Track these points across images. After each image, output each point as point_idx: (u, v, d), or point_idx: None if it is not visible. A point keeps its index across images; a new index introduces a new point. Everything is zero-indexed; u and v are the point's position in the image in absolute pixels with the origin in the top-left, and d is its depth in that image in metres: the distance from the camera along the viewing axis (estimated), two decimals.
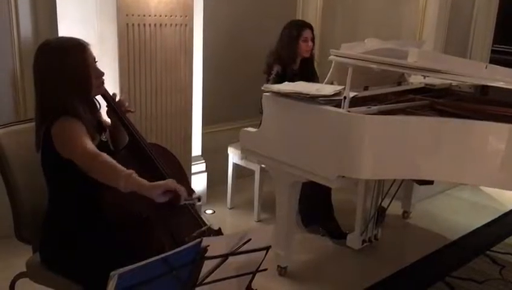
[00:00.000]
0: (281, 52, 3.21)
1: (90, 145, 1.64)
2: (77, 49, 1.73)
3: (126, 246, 1.71)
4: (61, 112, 1.68)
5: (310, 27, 3.28)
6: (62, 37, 1.79)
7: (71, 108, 1.69)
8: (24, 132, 1.94)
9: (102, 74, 1.81)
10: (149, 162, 1.87)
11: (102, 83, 1.82)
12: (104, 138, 1.84)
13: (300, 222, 3.24)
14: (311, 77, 3.23)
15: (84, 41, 1.77)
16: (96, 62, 1.79)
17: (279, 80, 3.09)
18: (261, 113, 2.73)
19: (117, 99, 1.95)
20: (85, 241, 1.72)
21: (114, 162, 1.61)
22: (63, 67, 1.69)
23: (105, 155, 1.63)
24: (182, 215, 1.83)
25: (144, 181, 1.59)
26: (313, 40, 3.25)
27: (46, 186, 1.78)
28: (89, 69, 1.74)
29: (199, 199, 1.86)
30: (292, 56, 3.21)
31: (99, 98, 1.89)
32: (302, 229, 3.24)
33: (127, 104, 1.99)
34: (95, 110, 1.85)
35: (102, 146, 1.80)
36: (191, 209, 1.88)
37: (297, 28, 3.22)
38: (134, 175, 1.59)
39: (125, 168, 1.60)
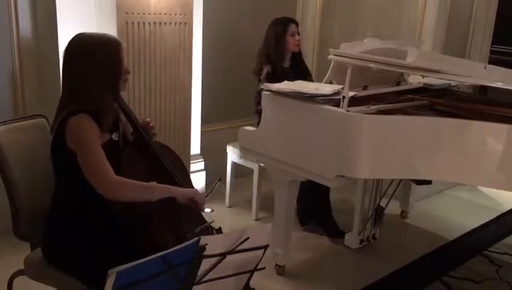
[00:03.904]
0: (269, 52, 3.19)
1: (108, 168, 1.67)
2: (114, 45, 1.77)
3: (129, 240, 1.71)
4: (88, 103, 1.70)
5: (295, 22, 3.28)
6: (97, 33, 1.82)
7: (96, 101, 1.71)
8: (23, 129, 1.94)
9: (128, 71, 1.86)
10: (155, 158, 1.88)
11: (127, 79, 1.86)
12: (114, 136, 1.84)
13: (298, 221, 3.25)
14: (303, 74, 3.22)
15: (118, 39, 1.82)
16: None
17: (270, 80, 3.08)
18: (256, 112, 2.72)
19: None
20: (88, 237, 1.72)
21: (133, 181, 1.69)
22: (101, 61, 1.72)
23: (121, 178, 1.68)
24: (184, 211, 1.83)
25: (172, 188, 1.76)
26: (298, 34, 3.25)
27: (55, 176, 1.78)
28: (122, 66, 1.79)
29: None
30: (281, 53, 3.20)
31: None
32: (300, 228, 3.24)
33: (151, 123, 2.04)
34: (115, 109, 1.86)
35: (111, 145, 1.80)
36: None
37: (282, 24, 3.21)
38: (158, 184, 1.72)
39: (147, 182, 1.70)
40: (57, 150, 1.72)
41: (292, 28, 3.21)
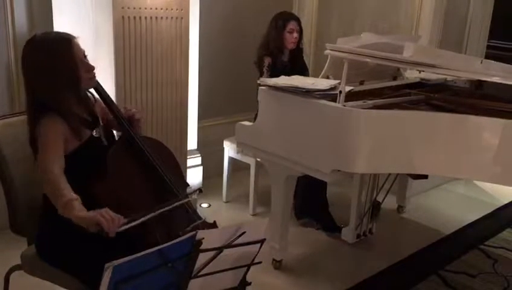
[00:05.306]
0: (269, 44, 3.23)
1: (53, 161, 1.62)
2: (63, 44, 1.70)
3: (120, 238, 1.70)
4: (49, 108, 1.68)
5: (296, 19, 3.30)
6: (48, 33, 1.77)
7: (58, 104, 1.69)
8: (19, 124, 1.92)
9: (92, 67, 1.78)
10: (143, 156, 1.86)
11: (94, 76, 1.79)
12: (95, 133, 1.82)
13: (294, 215, 3.26)
14: (301, 69, 3.24)
15: (71, 35, 1.74)
16: (86, 56, 1.76)
17: (271, 72, 3.11)
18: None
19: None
20: (80, 234, 1.71)
21: (62, 185, 1.58)
22: (50, 64, 1.68)
23: (58, 177, 1.59)
24: (177, 209, 1.82)
25: (79, 212, 1.54)
26: (299, 32, 3.26)
27: None
28: (77, 63, 1.71)
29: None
30: (279, 47, 3.23)
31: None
32: (296, 223, 3.25)
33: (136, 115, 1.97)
34: (88, 104, 1.84)
35: (92, 142, 1.79)
36: (186, 204, 1.87)
37: (282, 20, 3.24)
38: (75, 202, 1.55)
39: (70, 194, 1.56)
40: (37, 154, 1.70)
41: (291, 25, 3.22)
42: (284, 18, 3.25)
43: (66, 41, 1.72)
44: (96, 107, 1.88)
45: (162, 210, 1.68)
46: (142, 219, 1.60)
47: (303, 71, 3.24)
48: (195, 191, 1.89)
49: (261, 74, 3.18)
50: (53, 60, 1.68)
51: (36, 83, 1.71)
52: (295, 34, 3.23)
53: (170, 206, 1.72)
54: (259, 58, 3.24)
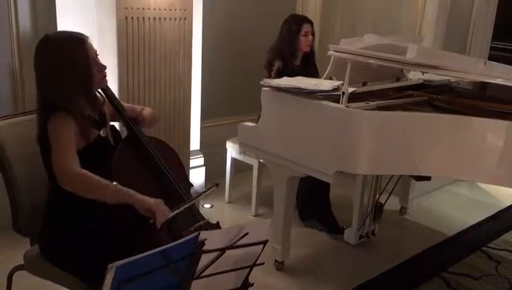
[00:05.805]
0: (282, 48, 3.22)
1: (71, 160, 1.62)
2: (76, 43, 1.72)
3: (124, 239, 1.71)
4: (59, 106, 1.68)
5: (309, 21, 3.30)
6: (61, 32, 1.78)
7: (69, 104, 1.69)
8: (22, 124, 1.93)
9: (104, 67, 1.80)
10: (148, 156, 1.87)
11: (105, 76, 1.82)
12: (103, 133, 1.82)
13: (298, 216, 3.25)
14: (312, 73, 3.23)
15: (84, 35, 1.76)
16: (97, 55, 1.78)
17: (281, 75, 3.09)
18: None
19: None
20: (83, 234, 1.72)
21: (95, 178, 1.60)
22: (63, 63, 1.69)
23: (84, 173, 1.60)
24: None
25: (133, 192, 1.62)
26: (312, 34, 3.26)
27: (48, 178, 1.77)
28: (90, 63, 1.73)
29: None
30: (293, 51, 3.22)
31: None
32: (300, 224, 3.25)
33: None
34: (97, 104, 1.85)
35: (100, 142, 1.79)
36: (190, 205, 1.88)
37: (296, 23, 3.23)
38: (120, 186, 1.61)
39: (109, 182, 1.60)
40: (46, 154, 1.70)
41: (306, 27, 3.23)
42: (298, 21, 3.25)
43: (79, 40, 1.73)
44: (105, 107, 1.89)
45: (188, 204, 1.79)
46: (176, 212, 1.71)
47: (314, 75, 3.23)
48: (212, 185, 1.93)
49: (270, 77, 3.16)
50: (66, 59, 1.69)
51: (48, 82, 1.71)
52: (310, 37, 3.23)
53: (195, 199, 1.85)
54: (269, 61, 3.22)
